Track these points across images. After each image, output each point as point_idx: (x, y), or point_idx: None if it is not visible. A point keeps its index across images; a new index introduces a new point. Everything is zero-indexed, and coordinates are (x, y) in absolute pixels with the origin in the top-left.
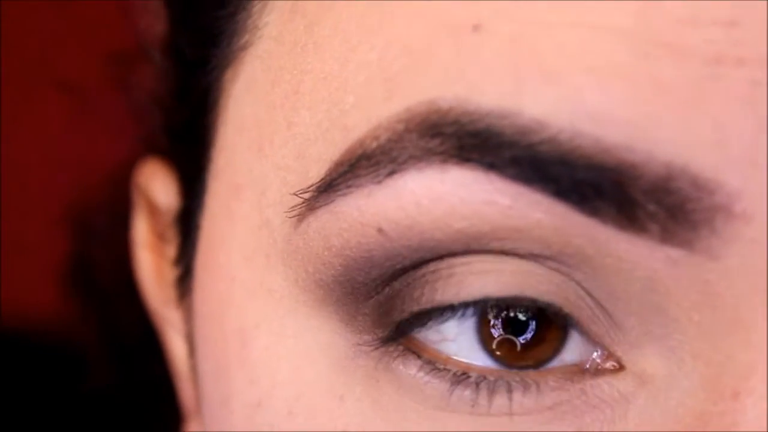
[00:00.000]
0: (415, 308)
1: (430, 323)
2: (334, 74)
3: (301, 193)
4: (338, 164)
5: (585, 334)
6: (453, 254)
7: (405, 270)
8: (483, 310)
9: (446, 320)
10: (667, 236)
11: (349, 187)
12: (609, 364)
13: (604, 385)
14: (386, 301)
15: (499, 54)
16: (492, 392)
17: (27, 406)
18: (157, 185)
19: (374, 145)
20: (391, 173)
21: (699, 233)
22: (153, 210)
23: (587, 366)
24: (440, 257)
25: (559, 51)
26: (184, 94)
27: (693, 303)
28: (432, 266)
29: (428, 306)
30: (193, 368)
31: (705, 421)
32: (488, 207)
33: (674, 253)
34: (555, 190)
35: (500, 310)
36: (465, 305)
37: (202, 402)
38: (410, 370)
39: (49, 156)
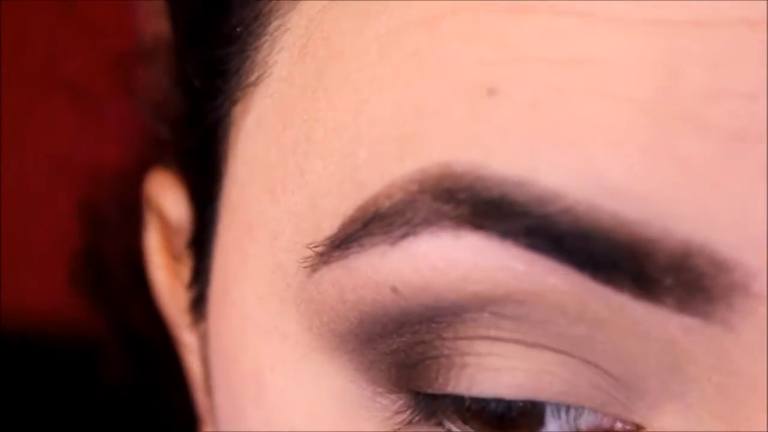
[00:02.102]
0: (429, 390)
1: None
2: (346, 125)
3: (314, 247)
4: (352, 220)
5: (599, 414)
6: (468, 338)
7: (421, 341)
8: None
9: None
10: (683, 307)
11: (362, 245)
12: (627, 427)
13: None
14: (403, 369)
15: (516, 120)
16: None
17: (40, 404)
18: (168, 199)
19: (387, 204)
20: (405, 235)
21: (716, 306)
22: (164, 222)
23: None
24: (456, 339)
25: (577, 120)
26: (194, 122)
27: (711, 366)
28: (447, 348)
29: (441, 392)
30: (209, 390)
31: None
32: (503, 272)
33: (691, 321)
34: (570, 260)
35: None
36: (477, 401)
37: (220, 428)
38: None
39: (56, 158)
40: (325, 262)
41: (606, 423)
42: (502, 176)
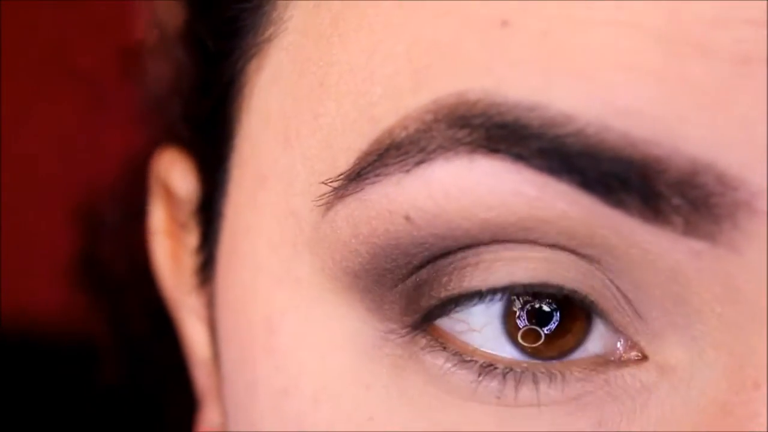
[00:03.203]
0: (443, 294)
1: (457, 309)
2: (360, 66)
3: (329, 182)
4: (367, 154)
5: (609, 323)
6: (480, 244)
7: (433, 259)
8: (509, 298)
9: (474, 306)
10: (690, 229)
11: (377, 175)
12: (632, 355)
13: (627, 376)
14: (414, 289)
15: (528, 49)
16: (518, 383)
17: (38, 402)
18: (176, 174)
19: (403, 134)
20: (420, 162)
21: (721, 227)
22: (171, 198)
23: (611, 357)
24: (468, 246)
25: (587, 47)
26: (206, 85)
27: (715, 295)
28: (460, 255)
29: (456, 292)
30: (215, 354)
31: (727, 411)
32: (515, 197)
33: (697, 245)
34: (581, 181)
35: (526, 302)
36: (493, 291)
37: (224, 388)
38: (437, 360)
39: (63, 148)
40: (340, 197)
41: (611, 344)
42: (515, 101)
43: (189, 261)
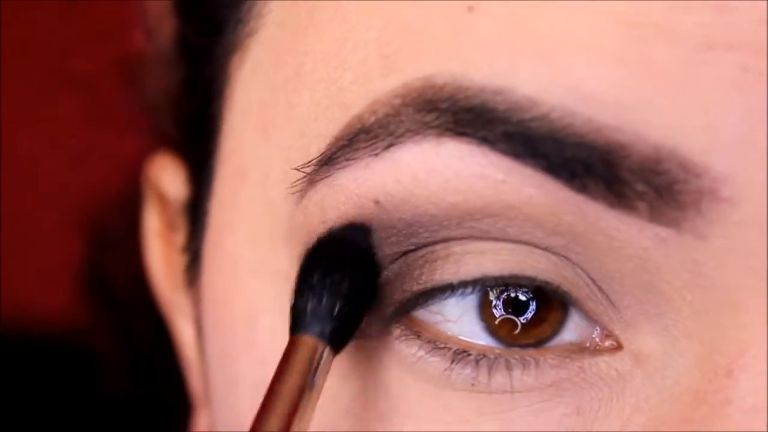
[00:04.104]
0: (416, 287)
1: (430, 302)
2: (333, 54)
3: (301, 168)
4: (338, 139)
5: (584, 312)
6: (449, 239)
7: (403, 253)
8: (484, 290)
9: (446, 299)
10: (654, 215)
11: (347, 160)
12: (607, 344)
13: (602, 364)
14: (386, 283)
15: (494, 33)
16: (492, 369)
17: (40, 410)
18: (167, 177)
19: (372, 119)
20: (389, 146)
21: (686, 214)
22: (163, 201)
23: (587, 345)
24: (436, 242)
25: (552, 30)
26: (192, 85)
27: (684, 282)
28: (429, 248)
29: (428, 285)
30: (201, 352)
31: (700, 398)
32: (481, 181)
33: (662, 231)
34: (545, 166)
35: (501, 291)
36: (464, 284)
37: (209, 385)
38: (411, 349)
39: (61, 154)
40: (311, 183)
41: (587, 333)
42: (481, 85)
43: (179, 261)
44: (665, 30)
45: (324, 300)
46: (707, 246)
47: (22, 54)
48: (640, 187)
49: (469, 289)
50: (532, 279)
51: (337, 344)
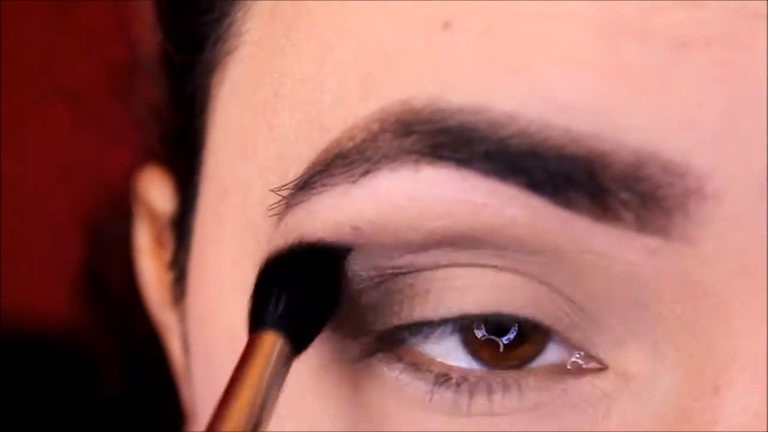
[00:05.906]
0: (396, 322)
1: (412, 335)
2: (311, 75)
3: (278, 190)
4: (315, 163)
5: (566, 341)
6: (426, 269)
7: (383, 281)
8: (463, 323)
9: (428, 335)
10: (641, 225)
11: (324, 185)
12: (591, 365)
13: (587, 385)
14: (366, 312)
15: (470, 50)
16: (472, 393)
17: (38, 410)
18: (155, 192)
19: (350, 144)
20: (366, 173)
21: (673, 219)
22: (152, 216)
23: (569, 366)
24: (418, 270)
25: (527, 43)
26: (176, 101)
27: (674, 295)
28: (409, 279)
29: (408, 321)
30: (188, 368)
31: (686, 418)
32: (462, 206)
33: (651, 242)
34: (528, 182)
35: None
36: (444, 322)
37: (195, 401)
38: (393, 372)
39: (53, 164)
40: (289, 206)
41: (570, 354)
42: (459, 105)
43: (167, 278)
44: (638, 32)
45: (282, 297)
46: (697, 251)
47: (10, 63)
48: (624, 195)
49: (450, 327)
50: (512, 317)
51: (296, 340)
